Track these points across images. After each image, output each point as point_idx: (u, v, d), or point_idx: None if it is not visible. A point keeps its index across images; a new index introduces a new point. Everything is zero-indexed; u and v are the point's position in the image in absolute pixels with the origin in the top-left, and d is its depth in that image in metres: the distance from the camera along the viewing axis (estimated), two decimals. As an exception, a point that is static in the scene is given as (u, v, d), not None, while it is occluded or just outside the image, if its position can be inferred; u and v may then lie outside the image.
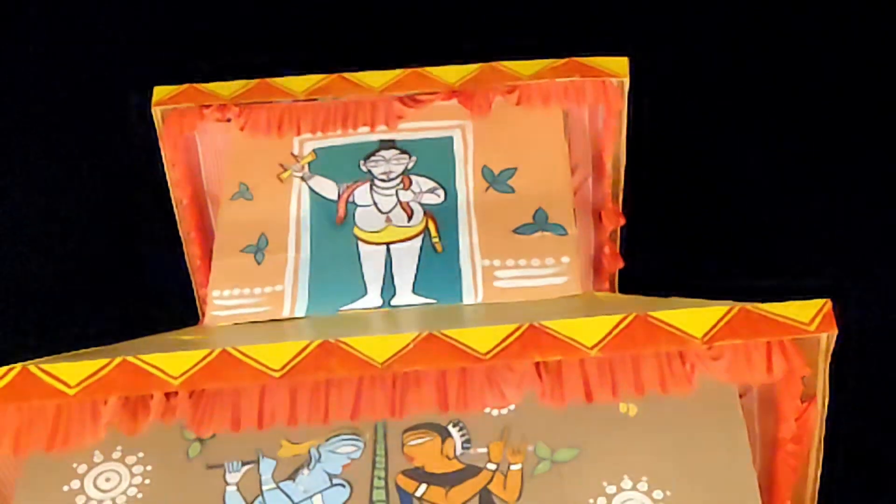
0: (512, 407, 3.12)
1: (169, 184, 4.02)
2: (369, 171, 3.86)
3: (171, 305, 4.49)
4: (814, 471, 3.06)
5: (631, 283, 4.10)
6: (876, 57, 5.15)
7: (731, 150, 5.08)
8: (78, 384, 2.92)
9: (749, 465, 3.02)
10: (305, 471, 3.15)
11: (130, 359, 2.94)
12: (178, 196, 4.03)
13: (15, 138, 5.30)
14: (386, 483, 3.09)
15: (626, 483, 3.00)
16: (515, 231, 3.67)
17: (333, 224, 3.78)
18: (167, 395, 2.97)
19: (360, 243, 3.71)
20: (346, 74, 3.92)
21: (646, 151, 4.16)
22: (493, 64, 3.86)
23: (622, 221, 4.03)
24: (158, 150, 3.96)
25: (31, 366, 2.96)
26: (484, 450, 3.12)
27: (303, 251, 3.73)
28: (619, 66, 3.79)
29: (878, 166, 4.96)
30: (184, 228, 4.10)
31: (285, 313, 3.61)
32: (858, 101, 5.07)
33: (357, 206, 3.80)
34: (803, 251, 4.78)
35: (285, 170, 3.92)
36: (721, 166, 5.06)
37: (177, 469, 3.17)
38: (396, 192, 3.80)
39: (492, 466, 3.09)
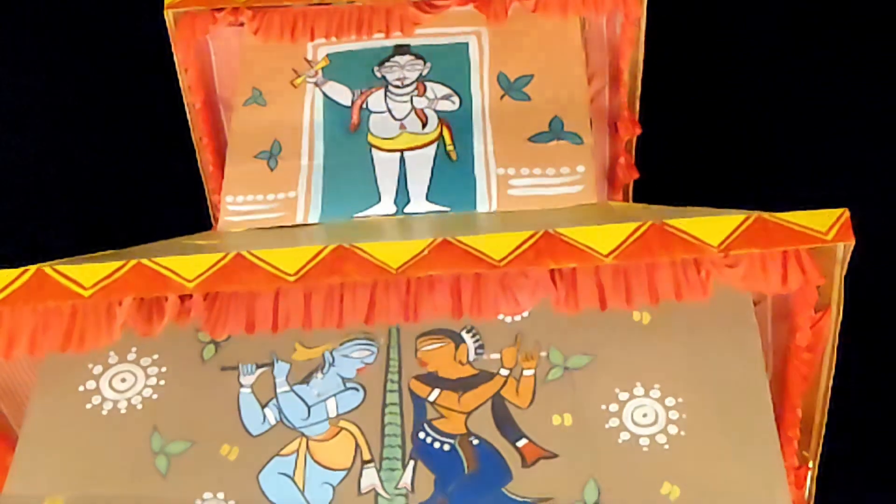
0: (525, 313, 3.13)
1: (181, 88, 3.99)
2: (383, 77, 3.82)
3: (183, 211, 4.48)
4: (825, 379, 3.07)
5: (645, 195, 4.08)
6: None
7: (749, 61, 5.02)
8: (93, 286, 2.93)
9: (762, 373, 3.03)
10: (319, 374, 3.17)
11: (145, 261, 2.95)
12: (191, 101, 4.01)
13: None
14: (399, 387, 3.11)
15: (639, 390, 3.02)
16: (531, 139, 3.64)
17: (347, 130, 3.76)
18: (182, 297, 2.98)
19: (373, 150, 3.70)
20: (361, -23, 3.88)
21: (663, 61, 4.10)
22: (510, -32, 3.80)
23: (638, 131, 4.00)
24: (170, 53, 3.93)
25: (46, 267, 2.97)
26: (497, 356, 3.14)
27: (316, 157, 3.71)
28: (637, -28, 3.73)
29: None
30: (196, 134, 4.08)
31: (299, 219, 3.61)
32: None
33: (371, 112, 3.77)
34: (819, 165, 4.75)
35: (299, 75, 3.88)
36: (740, 78, 5.00)
37: (191, 371, 3.19)
38: (411, 98, 3.77)
39: (504, 372, 3.11)
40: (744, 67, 5.05)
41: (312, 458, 3.02)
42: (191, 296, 2.97)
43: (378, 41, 3.88)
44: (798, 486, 3.24)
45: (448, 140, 3.67)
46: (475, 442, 3.00)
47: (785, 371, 3.12)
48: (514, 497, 2.90)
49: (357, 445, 3.02)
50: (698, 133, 4.87)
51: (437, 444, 3.00)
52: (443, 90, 3.77)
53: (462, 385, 3.10)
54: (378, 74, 3.82)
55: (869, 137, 4.82)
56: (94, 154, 5.15)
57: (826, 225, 2.82)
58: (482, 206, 3.53)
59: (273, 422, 3.10)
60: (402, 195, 3.59)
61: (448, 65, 3.82)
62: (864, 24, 4.99)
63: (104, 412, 3.14)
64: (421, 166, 3.63)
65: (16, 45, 5.23)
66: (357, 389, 3.12)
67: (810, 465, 3.29)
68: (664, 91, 4.30)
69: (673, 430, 2.95)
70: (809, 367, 3.06)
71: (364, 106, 3.78)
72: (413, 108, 3.74)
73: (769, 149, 4.87)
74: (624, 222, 2.91)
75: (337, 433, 3.06)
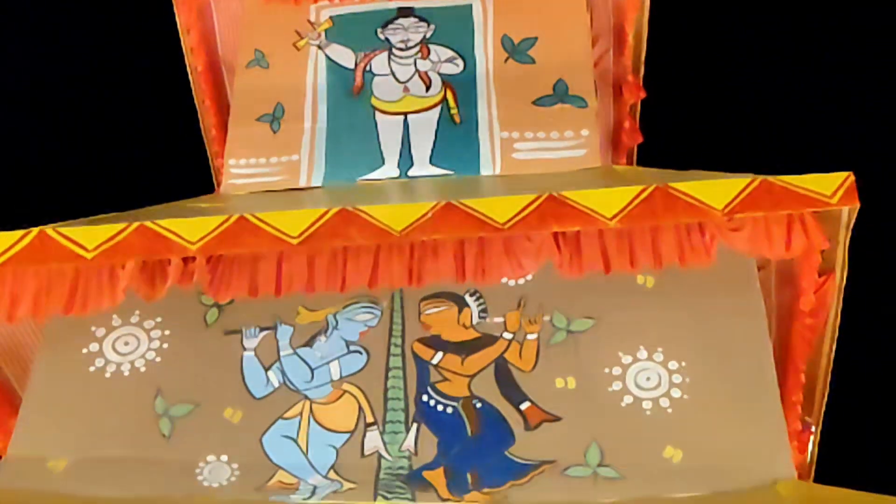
0: (529, 277, 3.13)
1: (184, 50, 3.97)
2: (387, 40, 3.80)
3: (186, 175, 4.46)
4: (829, 344, 3.07)
5: (649, 159, 4.06)
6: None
7: (757, 27, 4.98)
8: (96, 248, 2.92)
9: (765, 338, 3.03)
10: (323, 337, 3.17)
11: (148, 223, 2.94)
12: (193, 63, 3.98)
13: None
14: (402, 350, 3.11)
15: (642, 353, 3.02)
16: (535, 102, 3.62)
17: (350, 93, 3.74)
18: (185, 260, 2.98)
19: (377, 113, 3.68)
20: (364, -62, 3.85)
21: (668, 24, 4.07)
22: (515, -71, 3.77)
23: (642, 95, 3.97)
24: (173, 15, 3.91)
25: (49, 229, 2.96)
26: (500, 319, 3.14)
27: (319, 120, 3.70)
28: (643, -68, 3.70)
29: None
30: (199, 96, 4.06)
31: (302, 182, 3.60)
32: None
33: (374, 75, 3.75)
34: (825, 127, 4.72)
35: (302, 37, 3.86)
36: (747, 42, 4.96)
37: (195, 334, 3.20)
38: (415, 61, 3.75)
39: (508, 336, 3.11)
40: (752, 31, 5.01)
41: (316, 420, 3.03)
42: (194, 258, 2.96)
43: (381, 3, 3.86)
44: (800, 450, 3.25)
45: (452, 103, 3.65)
46: (478, 405, 3.00)
47: (788, 336, 3.11)
48: (516, 459, 2.91)
49: (360, 408, 3.03)
50: (703, 97, 4.84)
51: (440, 407, 3.01)
52: (447, 53, 3.74)
53: (465, 348, 3.10)
54: (381, 37, 3.80)
55: (877, 100, 4.78)
56: (96, 118, 5.13)
57: (831, 188, 2.81)
58: (486, 170, 3.52)
59: (276, 385, 3.10)
60: (406, 158, 3.57)
61: (452, 27, 3.79)
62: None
63: (107, 375, 3.15)
64: (424, 129, 3.61)
65: (19, 12, 5.20)
66: (360, 352, 3.12)
67: (813, 429, 3.29)
68: (669, 54, 4.26)
69: (676, 393, 2.95)
70: (813, 331, 3.05)
71: (367, 68, 3.76)
72: (417, 70, 3.72)
73: (775, 113, 4.84)
74: (628, 186, 2.89)
75: (340, 396, 3.07)
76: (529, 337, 3.09)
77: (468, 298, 3.17)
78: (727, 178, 2.89)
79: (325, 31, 3.85)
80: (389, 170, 3.57)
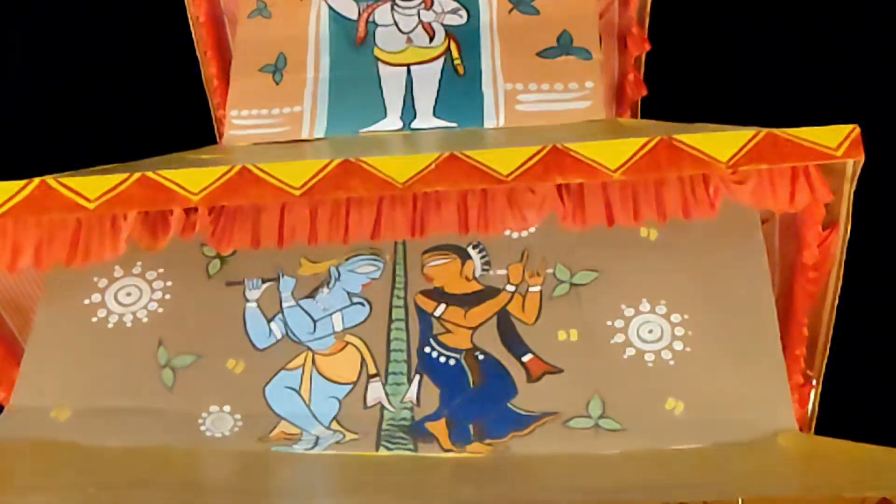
0: (532, 229, 3.12)
1: (185, 0, 3.94)
2: (390, -10, 3.78)
3: (188, 126, 4.45)
4: (832, 296, 3.06)
5: (653, 113, 4.04)
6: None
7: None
8: (97, 198, 2.91)
9: (768, 291, 3.03)
10: (325, 289, 3.17)
11: (150, 174, 2.92)
12: (195, 13, 3.95)
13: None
14: (405, 302, 3.11)
15: (645, 306, 3.02)
16: (539, 54, 3.59)
17: (353, 44, 3.71)
18: (187, 211, 2.97)
19: (380, 64, 3.65)
20: None
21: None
22: None
23: (647, 47, 3.93)
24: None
25: (51, 179, 2.94)
26: (503, 271, 3.14)
27: (322, 71, 3.67)
28: None
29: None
30: (200, 47, 4.02)
31: (304, 134, 3.58)
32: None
33: (377, 25, 3.72)
34: (832, 81, 4.69)
35: (304, -13, 3.84)
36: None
37: (197, 285, 3.20)
38: (418, 11, 3.72)
39: (511, 288, 3.11)
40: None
41: (318, 371, 3.04)
42: (196, 209, 2.95)
43: (384, -48, 3.82)
44: (801, 403, 3.25)
45: (455, 54, 3.63)
46: (481, 357, 3.01)
47: (791, 289, 3.11)
48: (519, 411, 2.92)
49: (363, 360, 3.04)
50: (708, 49, 4.80)
51: (442, 359, 3.01)
52: (450, 3, 3.71)
53: (468, 300, 3.10)
54: (385, -14, 3.77)
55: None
56: (98, 70, 5.10)
57: (836, 141, 2.79)
58: (489, 122, 3.51)
59: (279, 336, 3.11)
60: (409, 110, 3.56)
61: (455, -23, 3.76)
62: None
63: (110, 325, 3.15)
64: (428, 81, 3.60)
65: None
66: (363, 304, 3.13)
67: (814, 383, 3.29)
68: (675, 6, 4.23)
69: (678, 346, 2.96)
70: (816, 285, 3.04)
71: (370, 19, 3.73)
72: (420, 21, 3.70)
73: (781, 67, 4.81)
74: (632, 138, 2.88)
75: (343, 347, 3.07)
76: (532, 289, 3.09)
77: (471, 251, 3.16)
78: (732, 131, 2.87)
79: (328, -20, 3.82)
80: (392, 121, 3.56)
